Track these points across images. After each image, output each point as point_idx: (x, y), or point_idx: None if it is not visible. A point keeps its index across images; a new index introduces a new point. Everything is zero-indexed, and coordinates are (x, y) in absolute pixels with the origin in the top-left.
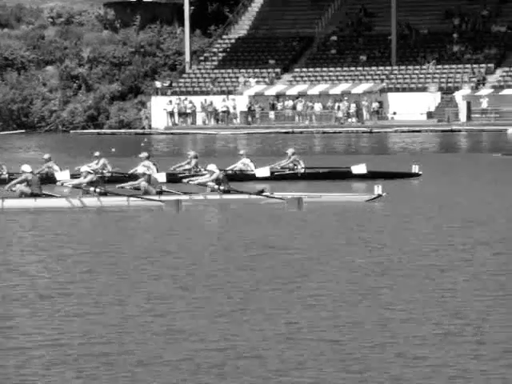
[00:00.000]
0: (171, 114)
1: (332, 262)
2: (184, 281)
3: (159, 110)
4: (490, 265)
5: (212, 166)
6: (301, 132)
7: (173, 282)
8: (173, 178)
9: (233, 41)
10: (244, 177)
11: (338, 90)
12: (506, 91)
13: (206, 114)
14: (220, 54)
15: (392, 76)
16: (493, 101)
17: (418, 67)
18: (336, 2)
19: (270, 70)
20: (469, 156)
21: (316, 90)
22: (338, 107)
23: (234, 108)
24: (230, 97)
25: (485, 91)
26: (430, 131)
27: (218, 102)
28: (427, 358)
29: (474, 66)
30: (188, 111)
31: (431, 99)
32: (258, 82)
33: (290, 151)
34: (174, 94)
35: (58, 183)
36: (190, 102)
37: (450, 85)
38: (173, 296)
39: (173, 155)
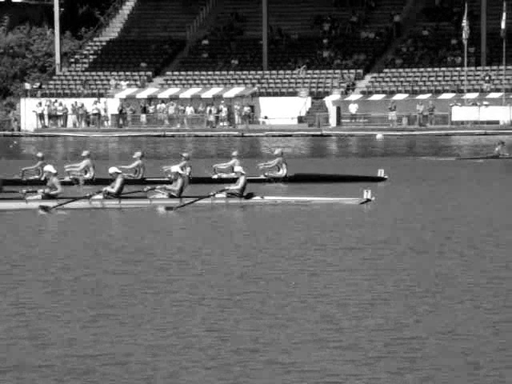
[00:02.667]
0: (41, 116)
1: (203, 266)
2: (53, 285)
3: (29, 112)
4: (363, 270)
5: (239, 168)
6: (172, 135)
7: (41, 287)
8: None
9: (104, 43)
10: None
11: (209, 93)
12: (375, 97)
13: (76, 116)
14: (91, 57)
15: (263, 80)
16: (362, 106)
17: (289, 72)
18: (207, 6)
19: (141, 73)
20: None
21: (188, 93)
22: (210, 111)
23: (105, 111)
24: (102, 99)
25: (354, 96)
26: (300, 135)
27: (89, 105)
28: (297, 364)
29: (344, 71)
30: (59, 113)
31: (302, 104)
32: (129, 85)
33: (277, 151)
34: (43, 95)
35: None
36: (61, 105)
37: (320, 90)
38: (41, 301)
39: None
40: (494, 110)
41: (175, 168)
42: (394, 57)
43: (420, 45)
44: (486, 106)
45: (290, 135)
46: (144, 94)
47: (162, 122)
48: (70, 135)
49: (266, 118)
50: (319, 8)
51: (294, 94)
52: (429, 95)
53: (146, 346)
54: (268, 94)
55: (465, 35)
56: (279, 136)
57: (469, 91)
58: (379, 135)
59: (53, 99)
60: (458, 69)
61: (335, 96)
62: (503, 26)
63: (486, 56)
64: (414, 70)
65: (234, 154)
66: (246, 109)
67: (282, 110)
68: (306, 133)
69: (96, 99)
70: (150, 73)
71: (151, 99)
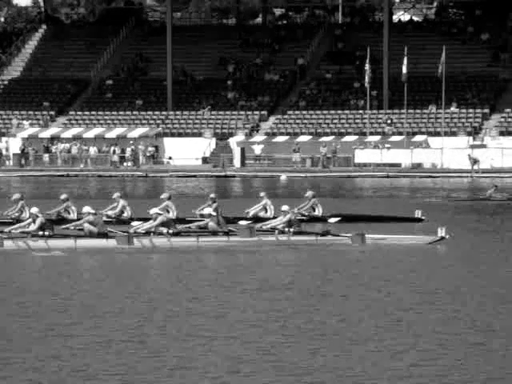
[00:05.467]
0: None
1: (106, 308)
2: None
3: None
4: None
5: (285, 207)
6: (76, 175)
7: None
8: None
9: (6, 82)
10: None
11: (113, 133)
12: (279, 138)
13: None
14: None
15: (168, 121)
16: (266, 147)
17: (193, 113)
18: (111, 46)
19: (44, 113)
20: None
21: (91, 133)
22: (114, 151)
23: (7, 150)
24: (3, 138)
25: (258, 138)
26: (204, 176)
27: None
28: None
29: (248, 112)
30: None
31: (206, 145)
32: (31, 125)
33: (309, 193)
34: None
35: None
36: None
37: (224, 131)
38: None
39: None
40: (395, 152)
41: (207, 210)
42: (298, 99)
43: (323, 88)
44: (388, 148)
45: (195, 176)
46: (47, 134)
47: (65, 161)
48: None
49: (170, 158)
50: (224, 49)
51: (199, 134)
52: (332, 137)
53: None
54: (172, 135)
55: (367, 79)
56: (183, 176)
57: (371, 134)
58: (283, 176)
59: None
60: (360, 112)
61: (239, 137)
62: (404, 70)
63: (387, 100)
64: (318, 112)
65: (262, 194)
66: (151, 149)
67: (186, 151)
68: (210, 173)
69: None
70: (52, 112)
71: (54, 139)
